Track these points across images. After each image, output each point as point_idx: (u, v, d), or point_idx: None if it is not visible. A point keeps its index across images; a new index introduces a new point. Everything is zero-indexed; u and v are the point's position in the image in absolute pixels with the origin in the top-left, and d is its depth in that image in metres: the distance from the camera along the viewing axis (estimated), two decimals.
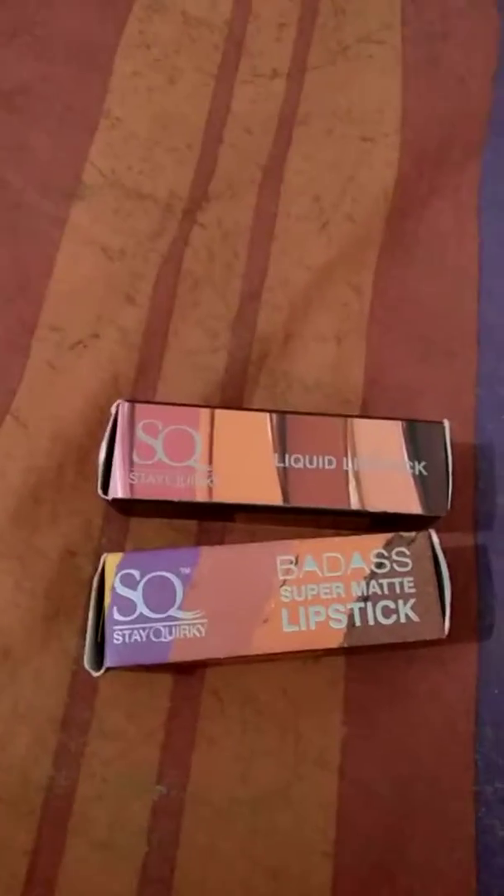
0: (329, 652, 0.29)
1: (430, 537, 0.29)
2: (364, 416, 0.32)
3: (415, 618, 0.28)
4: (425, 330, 0.37)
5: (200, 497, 0.29)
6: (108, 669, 0.27)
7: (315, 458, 0.30)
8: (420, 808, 0.29)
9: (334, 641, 0.27)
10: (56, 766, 0.29)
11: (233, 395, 0.35)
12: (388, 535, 0.29)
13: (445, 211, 0.40)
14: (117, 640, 0.27)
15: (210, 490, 0.29)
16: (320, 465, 0.30)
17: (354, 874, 0.28)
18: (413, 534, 0.29)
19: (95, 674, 0.27)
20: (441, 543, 0.29)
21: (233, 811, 0.29)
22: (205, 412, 0.30)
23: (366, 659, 0.31)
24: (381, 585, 0.28)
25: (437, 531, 0.29)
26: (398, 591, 0.28)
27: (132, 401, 0.30)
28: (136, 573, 0.28)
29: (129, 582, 0.28)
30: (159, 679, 0.31)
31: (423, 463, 0.30)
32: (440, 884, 0.28)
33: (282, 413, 0.30)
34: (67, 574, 0.32)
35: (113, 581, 0.28)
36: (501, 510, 0.34)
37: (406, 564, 0.28)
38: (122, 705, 0.30)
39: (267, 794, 0.29)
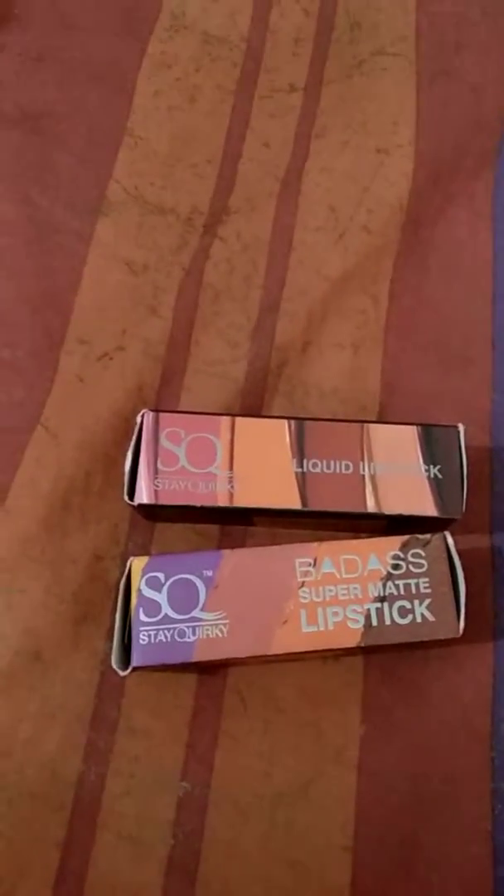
0: (348, 651, 0.30)
1: (444, 539, 0.29)
2: (380, 421, 0.33)
3: (430, 617, 0.28)
4: (441, 336, 0.38)
5: (222, 502, 0.30)
6: (134, 669, 0.28)
7: (332, 462, 0.31)
8: (437, 805, 0.30)
9: (352, 641, 0.28)
10: (86, 762, 0.30)
11: (253, 403, 0.36)
12: (404, 538, 0.29)
13: (460, 219, 0.40)
14: (143, 640, 0.28)
15: (231, 495, 0.30)
16: (337, 470, 0.31)
17: (373, 868, 0.29)
18: (428, 536, 0.29)
19: (122, 673, 0.28)
20: (457, 545, 0.29)
21: (254, 807, 0.30)
22: (225, 420, 0.31)
23: (384, 658, 0.32)
24: (397, 586, 0.29)
25: (454, 533, 0.30)
26: (414, 591, 0.29)
27: (156, 410, 0.31)
28: (160, 576, 0.29)
29: (155, 584, 0.29)
30: (184, 679, 0.32)
31: (438, 466, 0.31)
32: (457, 878, 0.29)
33: (300, 419, 0.31)
34: (95, 578, 0.33)
35: (139, 584, 0.29)
36: None
37: (422, 566, 0.29)
38: (149, 704, 0.31)
39: (288, 791, 0.30)
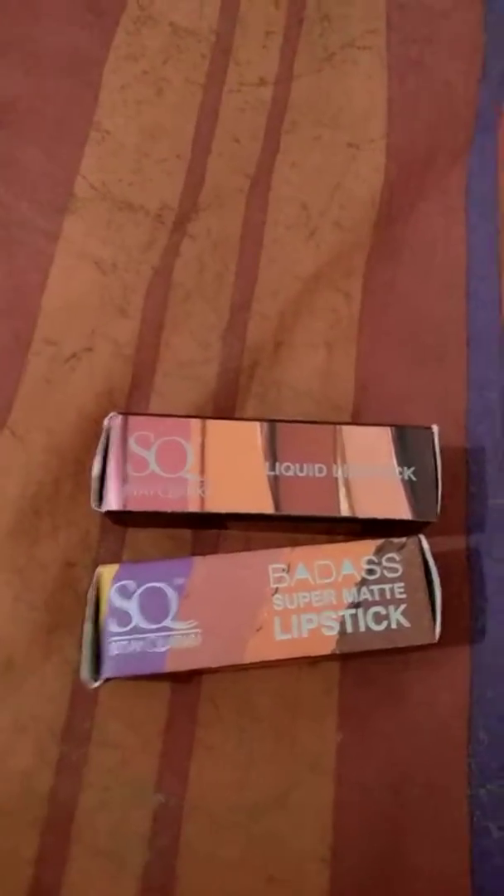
0: (324, 658, 0.29)
1: (419, 543, 0.29)
2: (353, 423, 0.32)
3: (406, 623, 0.28)
4: (415, 334, 0.37)
5: (193, 507, 0.29)
6: (105, 680, 0.27)
7: (305, 465, 0.30)
8: (415, 812, 0.30)
9: (326, 648, 0.28)
10: (58, 776, 0.30)
11: (225, 405, 0.36)
12: (379, 542, 0.29)
13: (433, 215, 0.40)
14: (113, 651, 0.27)
15: (202, 500, 0.30)
16: (311, 473, 0.30)
17: (351, 879, 0.29)
18: (403, 539, 0.29)
19: (92, 685, 0.27)
20: (432, 547, 0.29)
21: (231, 818, 0.29)
22: (196, 423, 0.31)
23: (360, 664, 0.32)
24: (371, 592, 0.28)
25: (430, 535, 0.29)
26: (389, 596, 0.28)
27: (125, 413, 0.31)
28: (130, 584, 0.28)
29: (125, 593, 0.28)
30: (157, 688, 0.31)
31: (412, 468, 0.30)
32: (436, 886, 0.29)
33: (272, 422, 0.31)
34: (66, 585, 0.32)
35: (108, 593, 0.28)
36: (492, 513, 0.34)
37: (396, 570, 0.29)
38: (122, 715, 0.31)
39: (264, 801, 0.30)
